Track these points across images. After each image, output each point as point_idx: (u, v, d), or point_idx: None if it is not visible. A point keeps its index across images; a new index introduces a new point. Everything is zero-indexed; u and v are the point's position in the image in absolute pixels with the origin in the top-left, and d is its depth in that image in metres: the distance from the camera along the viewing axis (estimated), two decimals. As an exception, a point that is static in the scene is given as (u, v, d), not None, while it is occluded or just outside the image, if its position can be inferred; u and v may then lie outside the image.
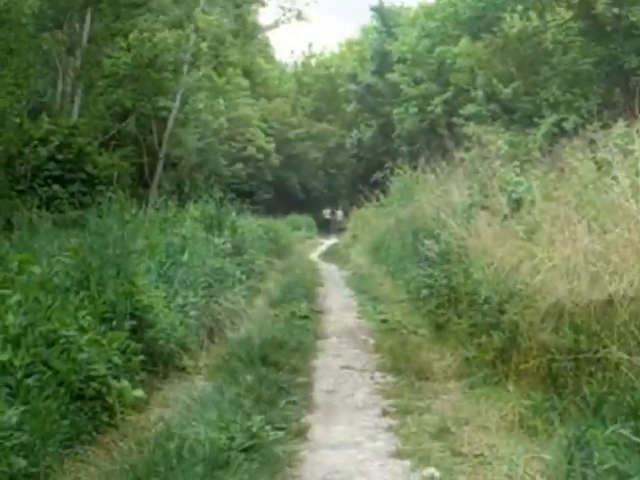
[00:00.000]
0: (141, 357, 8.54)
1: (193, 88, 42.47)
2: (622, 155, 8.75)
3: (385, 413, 8.46)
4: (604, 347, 6.45)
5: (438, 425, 7.65)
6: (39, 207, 17.53)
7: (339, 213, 55.08)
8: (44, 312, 7.41)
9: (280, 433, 7.34)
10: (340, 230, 48.75)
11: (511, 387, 8.18)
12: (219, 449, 6.36)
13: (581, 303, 7.32)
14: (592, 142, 10.58)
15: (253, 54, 51.71)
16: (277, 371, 9.76)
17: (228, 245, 15.95)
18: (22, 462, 5.74)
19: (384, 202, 30.84)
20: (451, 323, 11.84)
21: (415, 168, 25.56)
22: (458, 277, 11.73)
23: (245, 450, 6.52)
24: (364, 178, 48.73)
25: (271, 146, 56.31)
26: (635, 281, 6.54)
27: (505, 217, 11.10)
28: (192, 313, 11.08)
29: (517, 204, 11.25)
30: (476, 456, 6.77)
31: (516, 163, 13.39)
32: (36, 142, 24.58)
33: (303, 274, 22.34)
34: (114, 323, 8.64)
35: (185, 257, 12.49)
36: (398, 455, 7.02)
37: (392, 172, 31.72)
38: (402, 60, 49.60)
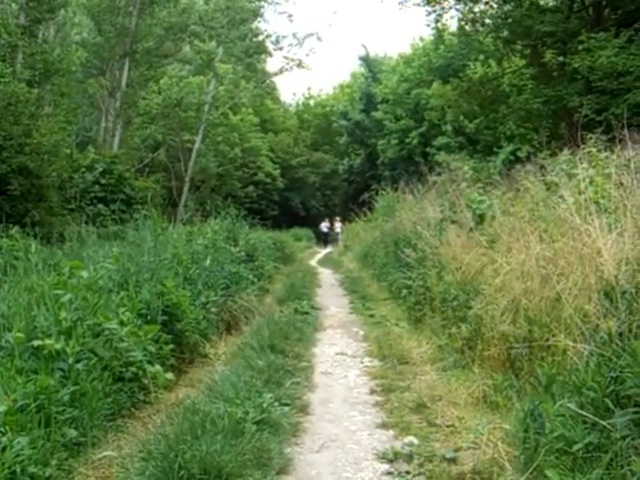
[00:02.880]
0: (171, 346, 8.55)
1: (213, 124, 42.63)
2: (567, 178, 8.75)
3: (372, 391, 8.45)
4: (553, 336, 6.44)
5: (416, 401, 7.64)
6: (86, 223, 17.50)
7: (337, 226, 53.07)
8: (91, 309, 7.42)
9: (286, 408, 7.32)
10: (334, 241, 48.18)
11: (476, 369, 8.17)
12: (236, 421, 6.35)
13: (534, 300, 7.31)
14: (542, 167, 10.57)
15: (262, 96, 51.74)
16: (283, 357, 9.73)
17: (242, 253, 15.90)
18: (73, 433, 5.77)
19: (371, 218, 30.83)
20: (426, 317, 11.84)
21: (396, 190, 25.55)
22: (432, 279, 11.72)
23: (257, 422, 6.50)
24: (354, 198, 48.93)
25: (277, 172, 56.42)
26: (579, 281, 6.54)
27: (471, 229, 11.09)
28: (213, 309, 11.07)
29: (480, 218, 11.25)
30: (448, 426, 6.76)
31: (479, 185, 13.40)
32: (84, 169, 24.77)
33: (304, 277, 22.27)
34: (149, 318, 8.64)
35: (207, 263, 12.46)
36: (383, 426, 7.01)
37: (377, 193, 31.77)
38: (385, 100, 49.71)
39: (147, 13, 32.50)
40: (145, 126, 38.26)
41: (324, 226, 53.10)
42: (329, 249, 46.12)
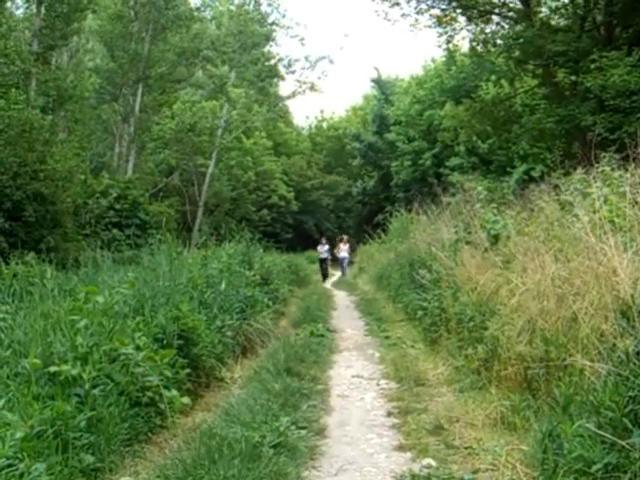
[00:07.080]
0: (187, 370, 8.54)
1: (226, 148, 42.87)
2: (581, 197, 8.75)
3: (389, 414, 8.42)
4: (570, 356, 6.42)
5: (434, 423, 7.61)
6: (101, 248, 17.52)
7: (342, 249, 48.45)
8: (107, 334, 7.42)
9: (303, 432, 7.30)
10: (349, 263, 46.63)
11: (493, 390, 8.14)
12: (253, 445, 6.34)
13: (550, 320, 7.29)
14: (556, 187, 10.57)
15: (275, 120, 51.95)
16: (299, 380, 9.71)
17: (257, 277, 15.89)
18: (90, 458, 5.76)
19: (385, 239, 30.83)
20: (442, 338, 11.81)
21: (410, 211, 25.59)
22: (447, 300, 11.69)
23: (274, 446, 6.50)
24: (368, 220, 48.85)
25: (291, 195, 56.62)
26: (595, 300, 6.52)
27: (485, 250, 11.08)
28: (228, 333, 11.06)
29: (495, 239, 11.23)
30: (466, 448, 6.73)
31: (493, 205, 13.37)
32: (98, 195, 24.94)
33: (319, 300, 22.25)
34: (164, 342, 8.64)
35: (222, 287, 12.47)
36: (401, 448, 6.98)
37: (391, 214, 31.83)
38: (397, 122, 49.64)
39: (159, 39, 32.83)
40: (159, 151, 38.57)
41: (323, 250, 36.77)
42: (338, 275, 39.09)
